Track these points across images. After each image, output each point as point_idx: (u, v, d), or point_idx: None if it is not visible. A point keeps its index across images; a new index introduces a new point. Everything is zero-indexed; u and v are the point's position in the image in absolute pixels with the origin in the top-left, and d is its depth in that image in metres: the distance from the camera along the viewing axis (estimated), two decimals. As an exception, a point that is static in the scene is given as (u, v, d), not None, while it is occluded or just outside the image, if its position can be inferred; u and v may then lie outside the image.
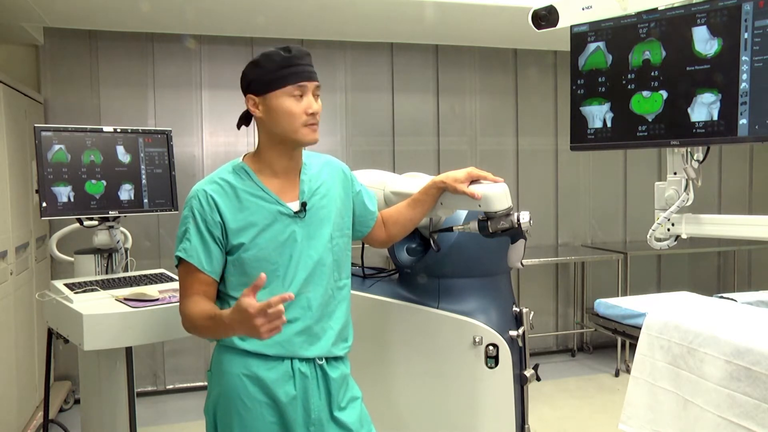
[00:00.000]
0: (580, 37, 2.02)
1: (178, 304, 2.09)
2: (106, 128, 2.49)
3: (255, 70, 1.56)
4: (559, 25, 2.04)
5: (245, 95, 1.59)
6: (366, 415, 1.73)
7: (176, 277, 2.47)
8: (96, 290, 2.21)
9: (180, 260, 1.56)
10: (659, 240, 2.09)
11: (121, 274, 2.48)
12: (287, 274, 1.58)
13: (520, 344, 2.04)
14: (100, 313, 1.99)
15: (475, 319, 1.98)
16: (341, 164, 1.78)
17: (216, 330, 1.49)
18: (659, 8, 1.84)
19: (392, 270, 2.27)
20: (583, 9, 1.97)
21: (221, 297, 1.62)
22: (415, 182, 1.94)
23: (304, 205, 1.61)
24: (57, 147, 2.35)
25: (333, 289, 1.66)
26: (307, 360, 1.60)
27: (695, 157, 1.96)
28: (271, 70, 1.54)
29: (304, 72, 1.55)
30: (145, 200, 2.54)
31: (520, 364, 2.04)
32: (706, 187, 2.27)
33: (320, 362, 1.62)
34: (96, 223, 2.47)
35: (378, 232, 1.84)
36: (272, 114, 1.56)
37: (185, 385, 4.31)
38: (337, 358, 1.67)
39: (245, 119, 1.69)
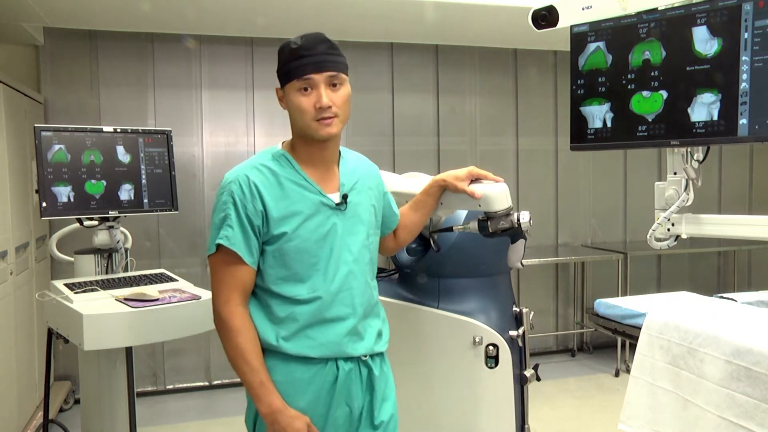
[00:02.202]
0: (580, 37, 2.02)
1: (178, 304, 2.11)
2: (106, 128, 2.49)
3: (278, 63, 1.52)
4: (559, 25, 2.04)
5: None
6: (396, 417, 1.68)
7: (176, 278, 2.48)
8: (96, 290, 2.21)
9: (218, 248, 1.48)
10: (659, 240, 2.08)
11: (121, 274, 2.48)
12: (328, 268, 1.52)
13: (520, 344, 2.04)
14: (100, 313, 1.99)
15: (475, 319, 1.98)
16: (374, 164, 1.75)
17: (245, 375, 1.46)
18: (659, 8, 1.84)
19: (392, 270, 2.27)
20: (583, 9, 1.97)
21: (255, 293, 1.54)
22: (415, 182, 1.94)
23: (345, 197, 1.57)
24: (57, 147, 2.35)
25: (370, 287, 1.63)
26: (352, 358, 1.56)
27: (695, 157, 1.96)
28: (282, 64, 1.50)
29: (312, 63, 1.47)
30: (145, 200, 2.54)
31: (520, 364, 2.04)
32: (706, 187, 2.27)
33: (364, 358, 1.59)
34: (96, 223, 2.47)
35: (389, 238, 1.81)
36: (289, 108, 1.53)
37: (185, 385, 4.31)
38: (379, 355, 1.64)
39: None
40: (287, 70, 1.49)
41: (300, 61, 1.47)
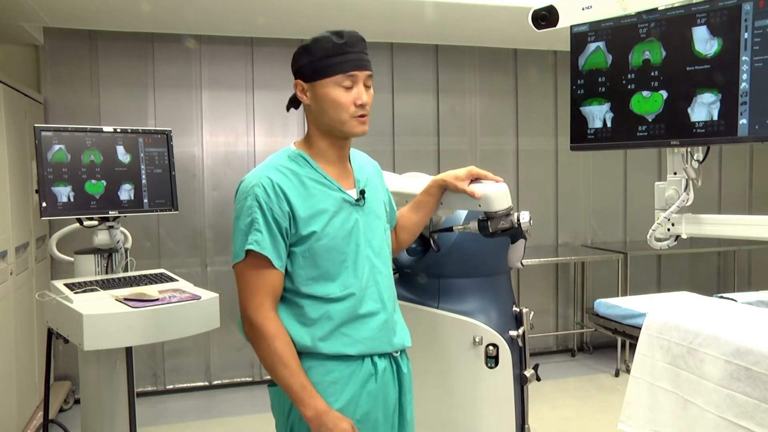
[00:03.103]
0: (580, 37, 2.02)
1: (178, 304, 2.11)
2: (106, 128, 2.49)
3: (305, 56, 1.49)
4: (559, 25, 2.04)
5: (295, 79, 1.54)
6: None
7: (176, 278, 2.48)
8: (96, 290, 2.21)
9: (247, 254, 1.45)
10: (659, 240, 2.08)
11: (121, 274, 2.48)
12: (357, 264, 1.52)
13: (520, 344, 2.04)
14: (100, 313, 1.99)
15: (475, 319, 1.98)
16: (375, 161, 1.76)
17: (285, 380, 1.42)
18: (659, 8, 1.84)
19: (392, 270, 2.27)
20: (583, 9, 1.97)
21: (285, 297, 1.51)
22: (415, 182, 1.94)
23: (363, 192, 1.58)
24: (57, 147, 2.35)
25: (391, 280, 1.64)
26: (385, 354, 1.57)
27: (695, 157, 1.96)
28: (320, 57, 1.48)
29: (356, 60, 1.48)
30: (145, 200, 2.54)
31: (520, 364, 2.04)
32: (706, 187, 2.27)
33: (395, 355, 1.60)
34: (96, 223, 2.47)
35: (390, 239, 1.79)
36: (319, 103, 1.50)
37: (185, 385, 4.31)
38: (404, 352, 1.65)
39: (294, 102, 1.60)
40: (329, 64, 1.47)
41: (345, 56, 1.47)
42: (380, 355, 1.56)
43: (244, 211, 1.46)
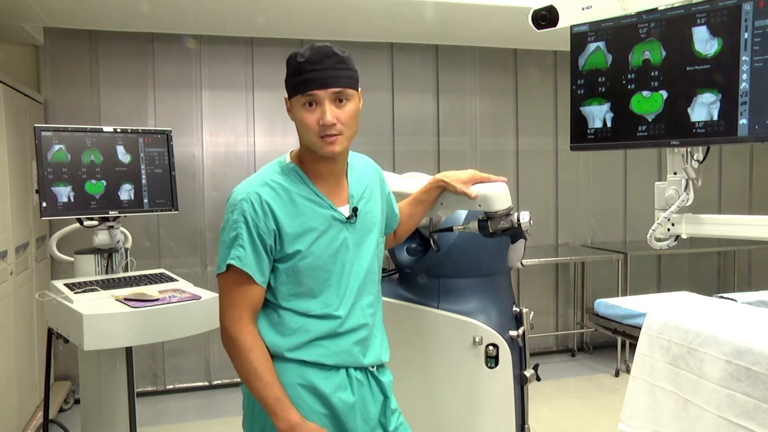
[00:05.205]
0: (580, 37, 2.02)
1: (178, 304, 2.12)
2: (106, 128, 2.50)
3: (286, 74, 1.49)
4: (559, 25, 2.04)
5: None
6: (405, 424, 1.68)
7: (176, 278, 2.48)
8: (96, 290, 2.21)
9: (229, 268, 1.45)
10: (659, 240, 2.09)
11: (121, 274, 2.48)
12: (341, 283, 1.51)
13: (520, 344, 2.04)
14: (100, 313, 1.99)
15: (475, 319, 1.98)
16: (377, 165, 1.73)
17: (259, 392, 1.43)
18: (659, 8, 1.84)
19: (392, 270, 2.27)
20: (583, 9, 1.97)
21: (266, 307, 1.52)
22: (415, 182, 1.94)
23: (355, 210, 1.55)
24: (57, 147, 2.36)
25: (379, 297, 1.62)
26: (362, 368, 1.56)
27: (695, 157, 1.97)
28: (288, 76, 1.48)
29: (315, 79, 1.43)
30: (145, 200, 2.54)
31: (520, 364, 2.04)
32: (706, 187, 2.27)
33: (372, 369, 1.58)
34: (96, 223, 2.47)
35: (389, 236, 1.81)
36: (295, 121, 1.50)
37: (185, 385, 4.31)
38: (384, 365, 1.64)
39: None
40: (292, 84, 1.46)
41: (304, 76, 1.43)
42: (356, 368, 1.55)
43: (229, 225, 1.46)
